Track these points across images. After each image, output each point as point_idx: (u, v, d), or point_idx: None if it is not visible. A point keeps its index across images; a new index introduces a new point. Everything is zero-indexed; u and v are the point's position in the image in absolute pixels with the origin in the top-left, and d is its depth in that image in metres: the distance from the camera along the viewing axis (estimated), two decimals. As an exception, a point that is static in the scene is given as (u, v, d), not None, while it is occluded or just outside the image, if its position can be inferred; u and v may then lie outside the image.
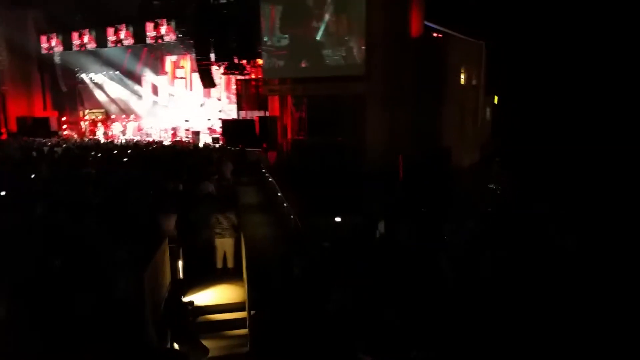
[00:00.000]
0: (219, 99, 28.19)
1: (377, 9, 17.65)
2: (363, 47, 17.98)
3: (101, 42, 27.49)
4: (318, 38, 19.07)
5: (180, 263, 8.20)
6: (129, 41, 26.71)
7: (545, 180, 14.67)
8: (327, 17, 18.79)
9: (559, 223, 8.01)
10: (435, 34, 19.77)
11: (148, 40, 25.98)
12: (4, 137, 28.72)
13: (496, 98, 25.52)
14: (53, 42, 29.55)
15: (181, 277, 8.18)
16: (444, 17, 19.69)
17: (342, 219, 10.92)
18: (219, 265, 8.90)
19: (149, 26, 25.46)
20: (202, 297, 7.87)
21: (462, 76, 20.25)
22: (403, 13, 18.01)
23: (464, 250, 7.16)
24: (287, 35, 19.82)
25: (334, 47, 18.76)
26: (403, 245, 8.15)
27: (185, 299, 7.19)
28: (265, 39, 20.44)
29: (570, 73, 23.83)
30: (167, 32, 25.12)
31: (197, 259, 8.84)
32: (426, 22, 19.25)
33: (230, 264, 8.94)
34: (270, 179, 14.91)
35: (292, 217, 10.90)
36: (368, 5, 17.57)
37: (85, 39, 27.99)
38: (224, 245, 8.90)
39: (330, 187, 13.67)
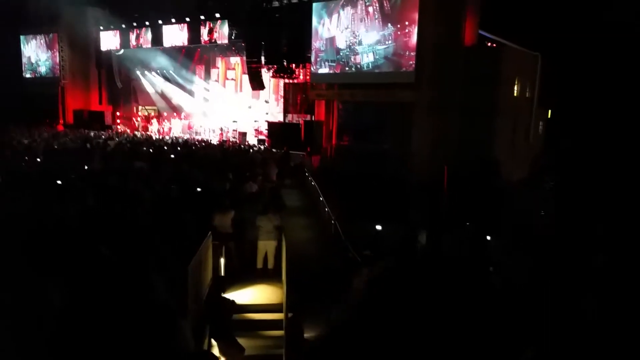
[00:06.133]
0: (267, 102, 28.63)
1: (429, 17, 17.38)
2: (414, 55, 17.71)
3: (157, 41, 28.56)
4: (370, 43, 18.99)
5: (222, 260, 8.30)
6: (183, 41, 27.59)
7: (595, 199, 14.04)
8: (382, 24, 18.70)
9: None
10: (489, 44, 19.29)
11: (202, 42, 26.72)
12: (61, 128, 30.28)
13: (550, 112, 24.52)
14: (110, 40, 30.93)
15: (222, 274, 8.28)
16: (499, 26, 19.16)
17: (383, 227, 10.80)
18: (259, 265, 8.95)
19: (203, 28, 26.17)
20: (241, 296, 7.92)
21: (515, 87, 19.55)
22: (456, 22, 17.66)
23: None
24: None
25: (386, 56, 18.58)
26: (446, 257, 7.98)
27: (226, 296, 7.26)
28: (317, 44, 20.61)
29: (632, 90, 22.68)
30: (220, 34, 25.77)
31: (238, 257, 8.94)
32: (481, 32, 18.83)
33: (270, 265, 8.98)
34: (312, 183, 14.93)
35: (333, 222, 10.87)
36: (421, 13, 17.31)
37: (142, 37, 29.15)
38: (267, 246, 8.94)
39: (372, 194, 13.57)
